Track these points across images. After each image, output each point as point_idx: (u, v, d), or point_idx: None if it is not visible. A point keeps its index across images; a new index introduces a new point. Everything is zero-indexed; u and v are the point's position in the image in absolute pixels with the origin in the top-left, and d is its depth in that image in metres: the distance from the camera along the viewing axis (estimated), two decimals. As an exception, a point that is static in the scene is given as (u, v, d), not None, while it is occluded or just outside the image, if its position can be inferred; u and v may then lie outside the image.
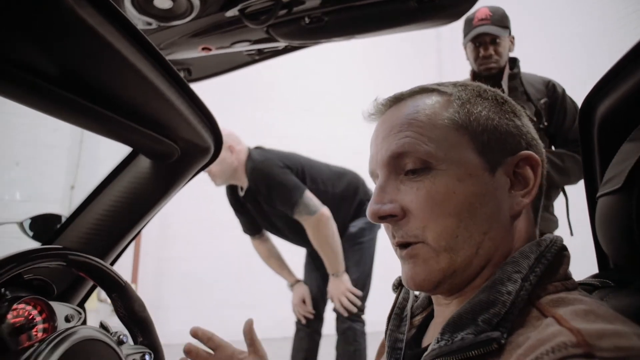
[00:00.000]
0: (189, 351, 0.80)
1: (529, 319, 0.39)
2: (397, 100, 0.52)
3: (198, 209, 4.19)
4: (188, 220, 4.23)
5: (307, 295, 2.14)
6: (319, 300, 2.16)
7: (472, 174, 0.46)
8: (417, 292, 0.59)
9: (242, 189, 2.06)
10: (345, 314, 2.01)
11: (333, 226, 1.96)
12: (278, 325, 3.17)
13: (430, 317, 0.54)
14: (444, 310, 0.49)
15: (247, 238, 2.28)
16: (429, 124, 0.47)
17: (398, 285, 0.58)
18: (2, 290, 0.57)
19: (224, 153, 1.93)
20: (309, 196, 1.93)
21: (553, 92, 1.76)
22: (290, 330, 2.24)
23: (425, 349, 0.46)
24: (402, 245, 0.48)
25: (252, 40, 1.19)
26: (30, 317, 0.60)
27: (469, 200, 0.45)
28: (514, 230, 0.47)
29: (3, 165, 3.19)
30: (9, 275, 0.50)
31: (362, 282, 2.11)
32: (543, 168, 0.49)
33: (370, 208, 0.48)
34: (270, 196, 1.95)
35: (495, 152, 0.47)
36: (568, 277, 0.45)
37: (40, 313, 0.63)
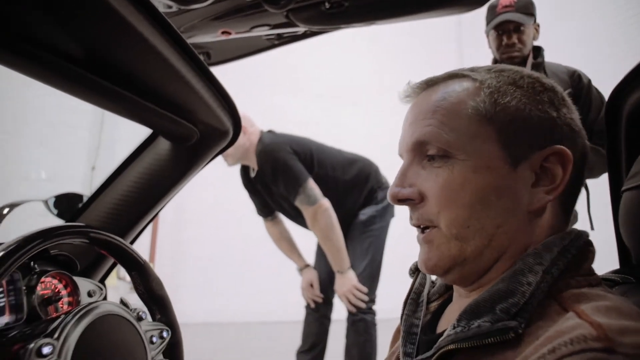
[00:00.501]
0: None
1: (548, 312, 0.39)
2: (429, 84, 0.52)
3: (214, 192, 4.24)
4: (204, 203, 4.29)
5: (315, 280, 2.15)
6: (327, 285, 2.16)
7: (491, 166, 0.45)
8: (433, 278, 0.59)
9: (253, 170, 2.08)
10: (354, 311, 2.00)
11: (332, 218, 1.93)
12: (291, 309, 3.21)
13: (446, 303, 0.54)
14: (464, 301, 0.49)
15: (261, 221, 2.30)
16: (453, 112, 0.47)
17: (415, 270, 0.59)
18: (32, 263, 0.59)
19: None
20: (311, 186, 1.91)
21: (578, 83, 1.71)
22: (302, 314, 2.28)
23: (440, 334, 0.46)
24: (420, 230, 0.49)
25: (271, 25, 1.18)
26: (57, 290, 0.63)
27: (483, 192, 0.45)
28: (533, 226, 0.46)
29: (28, 145, 3.27)
30: (37, 250, 0.52)
31: (372, 271, 2.08)
32: (583, 163, 0.48)
33: (390, 190, 0.50)
34: (275, 179, 1.97)
35: (521, 145, 0.46)
36: (592, 272, 0.44)
37: (65, 287, 0.66)
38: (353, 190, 2.10)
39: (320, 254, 2.29)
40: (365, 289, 1.99)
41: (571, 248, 0.43)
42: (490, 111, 0.46)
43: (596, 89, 1.72)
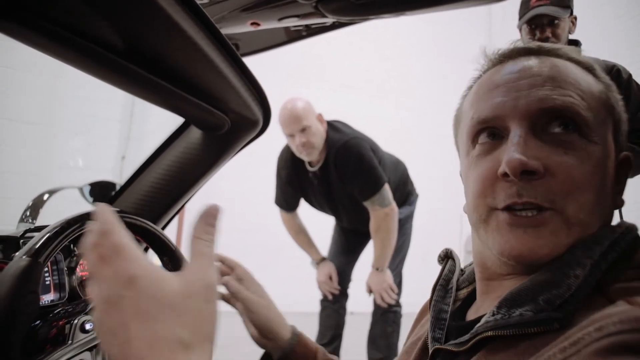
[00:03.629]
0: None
1: (594, 306, 0.37)
2: (552, 52, 0.47)
3: (237, 182, 4.29)
4: (231, 193, 4.36)
5: (334, 272, 2.17)
6: (344, 277, 2.20)
7: (610, 157, 0.45)
8: (462, 266, 0.58)
9: (310, 163, 2.03)
10: (385, 306, 2.05)
11: (396, 222, 1.98)
12: (308, 300, 3.24)
13: (475, 292, 0.53)
14: (499, 285, 0.47)
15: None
16: (589, 92, 0.44)
17: (444, 257, 0.58)
18: (72, 246, 0.62)
19: (316, 124, 1.94)
20: (387, 188, 1.95)
21: (617, 78, 1.63)
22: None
23: (471, 321, 0.46)
24: (513, 209, 0.42)
25: (300, 16, 1.18)
26: (94, 272, 0.65)
27: (607, 180, 0.44)
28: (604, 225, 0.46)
29: (64, 136, 3.40)
30: (78, 232, 0.54)
31: (401, 267, 2.16)
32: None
33: (515, 158, 0.41)
34: (354, 175, 1.93)
35: (620, 144, 0.46)
36: None
37: (101, 269, 0.68)
38: (396, 191, 2.11)
39: (337, 245, 2.31)
40: (396, 289, 2.05)
41: (621, 241, 0.42)
42: (611, 103, 0.46)
43: (637, 83, 1.65)
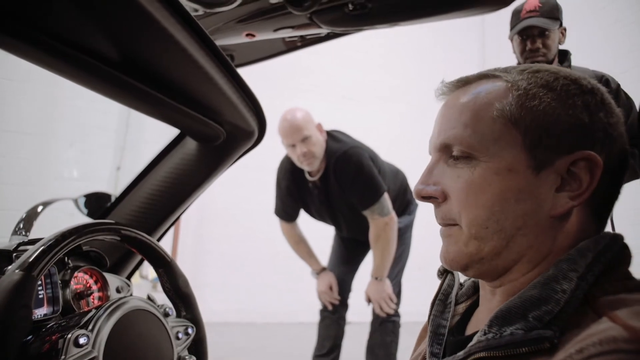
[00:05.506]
0: None
1: (583, 320, 0.38)
2: (461, 84, 0.52)
3: (235, 192, 4.28)
4: (226, 203, 4.35)
5: (335, 282, 2.16)
6: (344, 287, 2.20)
7: (513, 169, 0.45)
8: (462, 280, 0.59)
9: (310, 173, 2.03)
10: (384, 316, 2.05)
11: (396, 231, 1.98)
12: (310, 310, 3.22)
13: (474, 305, 0.54)
14: (490, 299, 0.49)
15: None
16: (478, 115, 0.48)
17: (443, 272, 0.59)
18: (66, 259, 0.61)
19: (316, 133, 1.94)
20: (386, 197, 1.95)
21: (605, 87, 1.66)
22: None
23: (469, 336, 0.46)
24: (443, 224, 0.51)
25: (295, 27, 1.19)
26: (88, 285, 0.65)
27: (503, 195, 0.45)
28: (556, 230, 0.45)
29: (60, 146, 3.39)
30: (73, 245, 0.54)
31: (400, 276, 2.16)
32: (622, 168, 0.47)
33: (415, 187, 0.51)
34: (353, 184, 1.94)
35: (546, 149, 0.45)
36: (629, 276, 0.43)
37: (95, 282, 0.68)
38: (396, 200, 2.12)
39: (337, 255, 2.31)
40: (395, 299, 2.05)
41: (606, 252, 0.42)
42: (516, 114, 0.46)
43: (625, 93, 1.67)
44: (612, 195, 0.48)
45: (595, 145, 0.45)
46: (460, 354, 0.43)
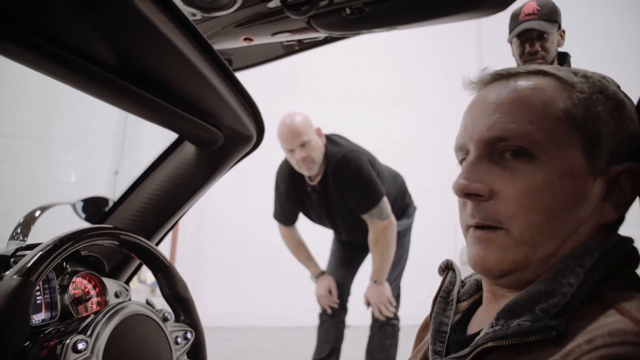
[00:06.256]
0: None
1: (590, 313, 0.38)
2: (509, 76, 0.49)
3: (233, 196, 4.28)
4: (224, 207, 4.34)
5: (334, 286, 2.16)
6: (343, 290, 2.19)
7: (574, 174, 0.44)
8: (463, 278, 0.59)
9: (310, 178, 2.02)
10: (384, 320, 2.05)
11: (395, 234, 1.98)
12: (309, 314, 3.21)
13: (476, 304, 0.54)
14: (500, 300, 0.48)
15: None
16: (542, 111, 0.45)
17: (445, 269, 0.58)
18: (64, 264, 0.61)
19: (315, 138, 1.94)
20: (385, 201, 1.95)
21: None
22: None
23: (472, 335, 0.46)
24: (478, 227, 0.46)
25: (292, 31, 1.19)
26: (87, 290, 0.65)
27: (564, 199, 0.43)
28: (596, 237, 0.45)
29: (58, 149, 3.38)
30: (71, 250, 0.54)
31: (399, 279, 2.16)
32: None
33: (458, 182, 0.46)
34: (352, 188, 1.93)
35: (602, 157, 0.45)
36: (637, 278, 0.43)
37: (94, 287, 0.68)
38: (395, 203, 2.12)
39: (336, 258, 2.30)
40: (394, 302, 2.05)
41: (613, 252, 0.42)
42: (581, 118, 0.45)
43: (624, 93, 1.68)
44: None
45: (635, 156, 0.46)
46: (466, 350, 0.43)
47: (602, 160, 0.45)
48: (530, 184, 0.43)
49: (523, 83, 0.47)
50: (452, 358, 0.45)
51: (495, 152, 0.46)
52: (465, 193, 0.46)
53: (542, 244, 0.44)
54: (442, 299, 0.56)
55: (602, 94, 0.47)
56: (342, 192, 1.97)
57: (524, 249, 0.44)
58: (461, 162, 0.50)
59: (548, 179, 0.43)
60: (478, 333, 0.44)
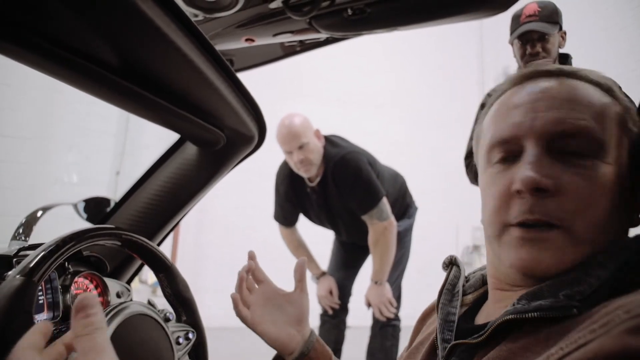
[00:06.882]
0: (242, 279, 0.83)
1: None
2: (571, 75, 0.49)
3: (234, 197, 4.28)
4: (225, 207, 4.34)
5: (335, 287, 2.16)
6: (344, 291, 2.20)
7: (626, 176, 0.45)
8: (467, 273, 0.59)
9: (309, 179, 2.03)
10: (384, 320, 2.04)
11: (395, 235, 1.98)
12: (310, 314, 3.21)
13: (482, 298, 0.54)
14: (514, 294, 0.46)
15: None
16: (603, 112, 0.46)
17: (449, 264, 0.59)
18: (66, 264, 0.61)
19: (314, 140, 1.94)
20: (385, 202, 1.95)
21: None
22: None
23: (481, 324, 0.46)
24: (526, 225, 0.44)
25: (294, 32, 1.19)
26: (88, 290, 0.65)
27: (620, 200, 0.44)
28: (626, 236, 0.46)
29: (59, 150, 3.38)
30: (74, 250, 0.54)
31: (400, 280, 2.16)
32: None
33: (529, 175, 0.43)
34: (352, 189, 1.93)
35: (638, 164, 0.47)
36: None
37: (96, 287, 0.68)
38: (395, 204, 2.12)
39: (335, 261, 2.30)
40: (395, 303, 2.04)
41: None
42: (629, 125, 0.47)
43: (626, 95, 1.68)
44: None
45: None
46: (483, 331, 0.44)
47: (637, 166, 0.47)
48: (594, 182, 0.43)
49: (584, 84, 0.48)
50: (469, 340, 0.45)
51: (557, 148, 0.45)
52: (536, 188, 0.43)
53: (600, 242, 0.43)
54: (448, 291, 0.56)
55: (632, 104, 0.49)
56: (341, 193, 1.97)
57: (582, 248, 0.43)
58: (502, 159, 0.48)
59: (609, 179, 0.44)
60: (488, 323, 0.45)
